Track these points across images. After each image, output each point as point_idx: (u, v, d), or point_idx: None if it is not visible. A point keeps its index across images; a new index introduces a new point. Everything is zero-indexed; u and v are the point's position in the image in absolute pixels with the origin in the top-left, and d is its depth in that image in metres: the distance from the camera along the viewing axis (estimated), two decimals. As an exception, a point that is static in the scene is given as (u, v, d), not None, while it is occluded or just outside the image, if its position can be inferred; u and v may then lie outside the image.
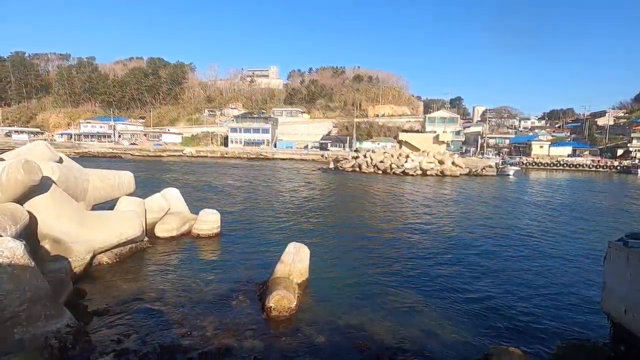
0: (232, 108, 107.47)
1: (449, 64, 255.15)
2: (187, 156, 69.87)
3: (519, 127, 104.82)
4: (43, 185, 7.64)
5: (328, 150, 78.25)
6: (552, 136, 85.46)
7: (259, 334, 5.93)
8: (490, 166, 47.47)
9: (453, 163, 44.82)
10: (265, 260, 9.53)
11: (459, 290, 8.14)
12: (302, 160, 67.69)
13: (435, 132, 73.03)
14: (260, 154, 71.46)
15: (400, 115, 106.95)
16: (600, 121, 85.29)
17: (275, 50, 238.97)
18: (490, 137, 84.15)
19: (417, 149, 56.08)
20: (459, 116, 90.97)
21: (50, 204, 7.70)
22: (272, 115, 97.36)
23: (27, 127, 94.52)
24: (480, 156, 64.22)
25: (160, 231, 10.94)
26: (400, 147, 62.10)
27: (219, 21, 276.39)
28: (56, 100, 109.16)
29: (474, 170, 45.29)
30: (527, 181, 41.62)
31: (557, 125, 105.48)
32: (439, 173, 42.24)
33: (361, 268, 9.40)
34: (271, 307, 6.54)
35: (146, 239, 10.14)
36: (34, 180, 7.12)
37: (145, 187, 18.00)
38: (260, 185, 28.10)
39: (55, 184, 8.17)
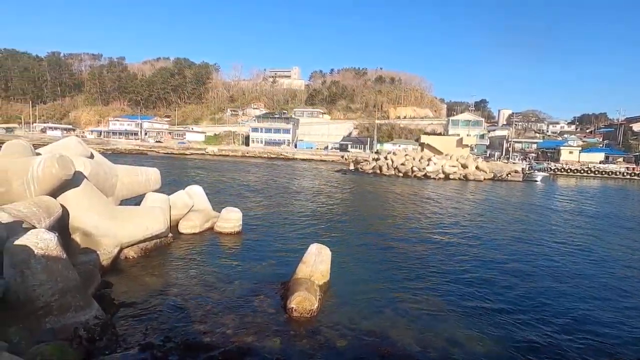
0: (254, 108, 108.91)
1: (474, 66, 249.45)
2: (210, 155, 71.25)
3: (547, 131, 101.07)
4: (75, 180, 7.89)
5: (348, 151, 77.99)
6: (583, 141, 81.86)
7: (281, 335, 5.88)
8: (516, 171, 45.97)
9: (477, 167, 43.67)
10: (286, 259, 9.51)
11: (487, 299, 7.84)
12: (322, 161, 67.74)
13: (458, 135, 71.39)
14: (281, 154, 71.98)
15: (422, 118, 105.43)
16: (636, 127, 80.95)
17: (298, 51, 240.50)
18: (517, 142, 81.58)
19: (440, 152, 54.98)
20: (483, 119, 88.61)
21: (81, 198, 7.95)
22: (293, 116, 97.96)
23: (61, 123, 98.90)
24: (506, 161, 62.27)
25: (184, 227, 11.13)
26: (422, 149, 61.13)
27: (243, 22, 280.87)
28: (88, 98, 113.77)
29: (498, 175, 43.98)
30: (556, 188, 40.02)
31: (588, 130, 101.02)
32: (462, 177, 41.26)
33: (383, 272, 9.23)
34: (293, 307, 6.49)
35: (170, 234, 10.32)
36: (68, 175, 7.36)
37: (169, 184, 18.39)
38: (280, 185, 28.25)
39: (87, 178, 8.43)
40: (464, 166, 43.28)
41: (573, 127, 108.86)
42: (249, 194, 22.22)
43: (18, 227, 5.97)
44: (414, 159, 44.93)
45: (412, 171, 42.05)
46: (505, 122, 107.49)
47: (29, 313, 5.01)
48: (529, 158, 70.91)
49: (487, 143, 78.64)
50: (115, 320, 5.89)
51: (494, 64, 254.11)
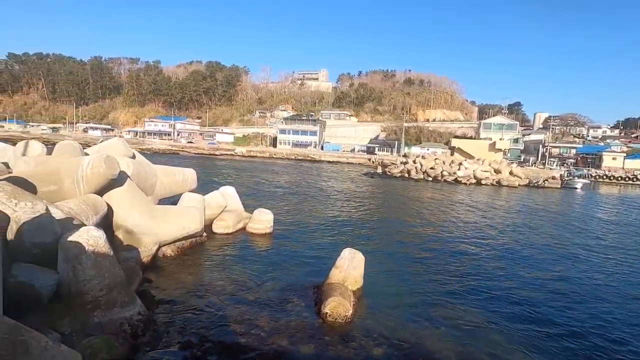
0: (281, 110, 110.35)
1: (507, 67, 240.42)
2: (238, 155, 72.77)
3: (588, 136, 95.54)
4: (120, 179, 8.25)
5: (375, 154, 77.26)
6: (628, 147, 76.65)
7: (315, 340, 5.85)
8: (553, 178, 43.75)
9: (511, 172, 41.97)
10: (317, 263, 9.50)
11: (529, 313, 7.45)
12: (348, 163, 67.48)
13: (491, 139, 68.96)
14: (308, 156, 72.38)
15: (452, 121, 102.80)
16: (689, 132, 74.98)
17: (326, 54, 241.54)
18: (554, 146, 77.71)
19: (471, 157, 53.31)
20: (517, 122, 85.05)
21: (125, 196, 8.30)
22: (320, 118, 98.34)
23: (101, 124, 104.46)
24: (542, 166, 59.42)
25: (218, 227, 11.37)
26: (452, 153, 59.53)
27: (272, 26, 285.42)
28: (126, 100, 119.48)
29: (534, 181, 42.04)
30: (598, 196, 37.72)
31: (633, 135, 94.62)
32: (494, 183, 39.76)
33: (416, 280, 9.00)
34: (327, 313, 6.44)
35: (205, 234, 10.57)
36: (113, 174, 7.70)
37: (200, 184, 18.88)
38: (308, 187, 28.35)
39: (130, 178, 8.79)
40: (497, 171, 41.71)
41: (616, 131, 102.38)
42: (278, 195, 22.45)
43: (69, 224, 6.30)
44: (443, 162, 43.81)
45: (442, 175, 41.00)
46: (541, 126, 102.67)
47: (79, 307, 5.25)
48: (568, 164, 67.34)
49: (522, 148, 75.44)
50: (156, 316, 6.07)
51: (529, 65, 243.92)
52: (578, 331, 6.84)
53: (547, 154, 70.18)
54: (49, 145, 10.78)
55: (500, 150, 63.17)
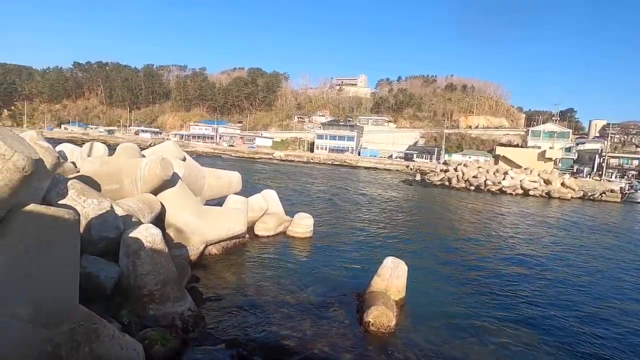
0: (319, 115, 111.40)
1: (560, 71, 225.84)
2: (276, 159, 74.27)
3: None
4: (172, 180, 8.72)
5: (413, 161, 75.52)
6: (702, 159, 68.83)
7: (357, 348, 5.77)
8: (612, 190, 40.28)
9: (562, 184, 39.21)
10: (357, 269, 9.42)
11: (587, 340, 6.87)
12: (386, 169, 66.52)
13: (539, 147, 64.97)
14: (345, 161, 72.31)
15: (496, 128, 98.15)
16: None
17: (365, 59, 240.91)
18: (612, 157, 71.45)
19: (518, 166, 50.52)
20: (570, 130, 79.41)
21: (176, 197, 8.75)
22: (357, 123, 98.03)
23: (150, 127, 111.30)
24: (598, 178, 54.92)
25: (259, 229, 11.64)
26: (497, 162, 56.83)
27: (313, 32, 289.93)
28: (173, 105, 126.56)
29: (589, 194, 38.95)
30: (665, 212, 34.13)
31: None
32: (543, 194, 37.33)
33: (461, 293, 8.63)
34: (369, 322, 6.35)
35: (247, 235, 10.86)
36: (168, 175, 8.16)
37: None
38: (346, 193, 28.27)
39: (181, 179, 9.26)
40: (547, 182, 39.14)
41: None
42: (316, 200, 22.59)
43: (129, 221, 6.75)
44: (487, 171, 41.89)
45: (485, 185, 39.16)
46: (597, 135, 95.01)
47: (137, 299, 5.59)
48: (629, 176, 61.67)
49: (575, 157, 70.29)
50: (205, 313, 6.31)
51: (583, 69, 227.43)
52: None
53: (604, 164, 64.78)
54: (109, 146, 11.69)
55: (550, 159, 59.31)
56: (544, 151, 61.00)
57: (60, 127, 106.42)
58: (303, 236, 11.74)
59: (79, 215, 5.71)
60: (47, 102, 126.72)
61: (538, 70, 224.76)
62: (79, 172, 8.50)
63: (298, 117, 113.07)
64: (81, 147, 11.50)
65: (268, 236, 11.61)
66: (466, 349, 6.09)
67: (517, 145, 76.26)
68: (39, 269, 3.05)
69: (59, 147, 11.22)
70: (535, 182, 38.93)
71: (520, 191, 37.73)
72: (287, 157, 76.67)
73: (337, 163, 71.25)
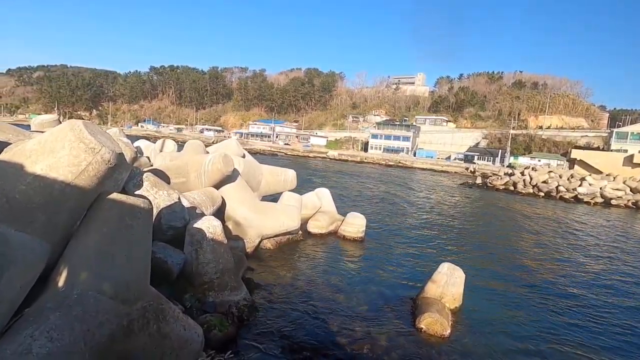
0: (375, 114, 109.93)
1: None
2: (330, 158, 74.82)
3: None
4: (233, 176, 9.20)
5: (474, 163, 71.18)
6: None
7: (407, 355, 5.60)
8: None
9: (654, 193, 34.20)
10: (411, 274, 9.15)
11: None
12: (443, 172, 63.59)
13: (626, 151, 57.34)
14: (399, 162, 70.52)
15: (573, 129, 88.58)
16: None
17: (425, 57, 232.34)
18: None
19: (598, 171, 45.20)
20: (666, 132, 68.93)
21: (236, 191, 9.22)
22: (414, 123, 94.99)
23: (214, 126, 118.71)
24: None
25: (312, 227, 11.81)
26: (572, 166, 51.48)
27: (372, 31, 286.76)
28: (234, 105, 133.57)
29: (691, 206, 33.45)
30: None
31: None
32: (630, 204, 32.88)
33: (523, 305, 7.97)
34: (422, 328, 6.14)
35: (300, 232, 11.09)
36: (229, 171, 8.63)
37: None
38: (400, 194, 27.56)
39: (240, 175, 9.74)
40: (635, 190, 34.42)
41: None
42: (369, 200, 22.33)
43: (194, 212, 7.26)
44: (560, 176, 37.99)
45: (558, 191, 35.53)
46: None
47: (198, 285, 6.00)
48: None
49: (672, 163, 60.85)
50: (258, 304, 6.57)
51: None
52: None
53: None
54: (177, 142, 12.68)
55: (639, 165, 52.06)
56: (632, 155, 53.64)
57: (138, 125, 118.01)
58: (355, 236, 11.67)
59: (152, 204, 6.29)
60: (127, 103, 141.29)
61: (627, 62, 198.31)
62: (152, 166, 9.35)
63: (352, 117, 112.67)
64: (154, 143, 12.64)
65: (320, 234, 11.74)
66: (529, 368, 5.61)
67: (597, 149, 68.12)
68: (120, 251, 3.40)
69: (136, 143, 12.44)
70: (619, 190, 34.44)
71: (600, 200, 33.64)
72: (340, 156, 76.85)
73: (392, 163, 69.71)
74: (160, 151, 11.36)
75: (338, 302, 7.19)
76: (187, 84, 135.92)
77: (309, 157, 74.70)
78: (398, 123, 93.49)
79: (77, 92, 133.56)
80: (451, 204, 24.66)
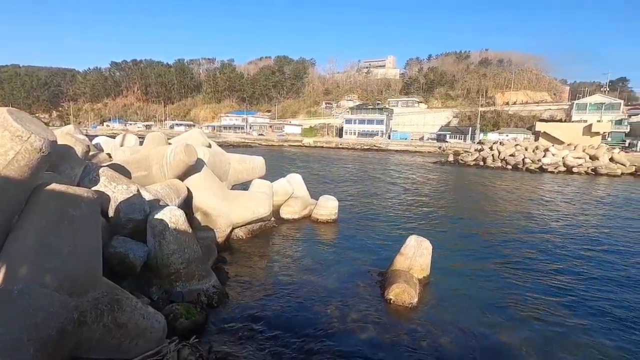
0: (347, 100, 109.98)
1: (610, 36, 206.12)
2: (306, 146, 74.59)
3: None
4: (198, 166, 9.00)
5: (446, 142, 72.94)
6: None
7: (378, 325, 5.77)
8: (670, 164, 36.71)
9: (611, 159, 36.27)
10: (382, 249, 9.35)
11: (623, 316, 6.43)
12: (417, 152, 64.85)
13: (585, 121, 60.38)
14: (374, 145, 71.27)
15: (537, 103, 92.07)
16: None
17: (394, 39, 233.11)
18: (672, 127, 64.99)
19: (560, 142, 47.38)
20: (621, 101, 72.85)
21: (202, 181, 9.04)
22: (387, 106, 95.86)
23: (184, 120, 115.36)
24: (654, 151, 50.20)
25: (285, 213, 11.82)
26: (537, 139, 53.68)
27: (339, 14, 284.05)
28: (204, 97, 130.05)
29: (643, 168, 35.78)
30: None
31: None
32: (589, 171, 34.78)
33: (488, 272, 8.33)
34: (391, 299, 6.32)
35: (273, 218, 11.07)
36: (192, 161, 8.43)
37: (270, 173, 19.78)
38: (374, 176, 27.95)
39: (206, 165, 9.54)
40: (593, 158, 36.37)
41: None
42: (344, 184, 22.52)
43: (156, 204, 7.07)
44: (526, 149, 39.57)
45: (524, 163, 37.08)
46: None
47: (164, 277, 5.90)
48: (691, 148, 55.89)
49: (627, 130, 64.58)
50: (229, 290, 6.55)
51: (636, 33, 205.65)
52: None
53: (661, 136, 59.03)
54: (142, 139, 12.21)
55: (597, 134, 55.05)
56: (590, 125, 56.62)
57: (103, 125, 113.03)
58: (328, 218, 11.78)
59: (109, 199, 6.07)
60: (90, 102, 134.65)
61: (584, 37, 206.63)
62: (112, 160, 8.99)
63: (326, 103, 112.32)
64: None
65: (294, 219, 11.77)
66: (488, 324, 5.92)
67: (560, 121, 71.30)
68: (63, 243, 3.28)
69: (95, 140, 11.93)
70: (579, 158, 36.31)
71: (562, 169, 35.40)
72: (316, 143, 76.79)
73: (367, 147, 70.37)
74: (121, 146, 10.94)
75: (311, 282, 7.28)
76: (152, 79, 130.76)
77: (284, 146, 74.16)
78: (371, 107, 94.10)
79: (33, 94, 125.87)
80: (423, 182, 25.26)
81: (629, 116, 70.18)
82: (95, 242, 3.58)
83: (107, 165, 7.63)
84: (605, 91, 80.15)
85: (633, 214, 16.27)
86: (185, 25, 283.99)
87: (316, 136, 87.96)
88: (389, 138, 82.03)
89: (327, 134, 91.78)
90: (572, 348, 5.37)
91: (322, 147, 73.59)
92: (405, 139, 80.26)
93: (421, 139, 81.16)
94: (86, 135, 11.73)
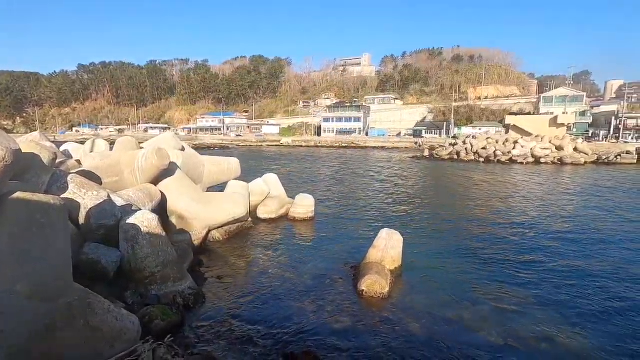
0: (325, 98, 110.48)
1: (572, 32, 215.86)
2: (284, 146, 74.46)
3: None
4: (171, 170, 8.99)
5: (422, 137, 74.58)
6: None
7: (351, 315, 6.02)
8: (628, 152, 39.11)
9: (575, 149, 38.28)
10: (357, 244, 9.62)
11: (580, 295, 6.97)
12: (394, 148, 66.01)
13: (552, 113, 63.20)
14: (352, 143, 72.00)
15: (507, 97, 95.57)
16: None
17: (369, 37, 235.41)
18: (630, 117, 68.93)
19: (529, 134, 49.41)
20: (584, 94, 76.66)
21: (176, 185, 9.04)
22: (364, 104, 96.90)
23: (159, 123, 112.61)
24: (615, 140, 53.29)
25: (262, 213, 11.92)
26: (507, 131, 55.70)
27: (313, 12, 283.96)
28: (179, 99, 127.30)
29: (604, 157, 37.95)
30: (684, 170, 33.07)
31: None
32: (556, 161, 36.58)
33: (459, 260, 8.76)
34: (363, 290, 6.59)
35: (250, 219, 11.16)
36: (164, 165, 8.42)
37: (248, 173, 19.78)
38: (351, 173, 28.37)
39: (180, 168, 9.53)
40: (559, 148, 38.25)
41: None
42: (321, 182, 22.78)
43: (129, 209, 7.05)
44: (497, 142, 41.13)
45: (495, 156, 38.56)
46: (614, 96, 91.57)
47: (139, 280, 5.93)
48: (647, 136, 59.60)
49: (590, 121, 68.11)
50: (206, 291, 6.64)
51: (598, 27, 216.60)
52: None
53: (621, 126, 62.66)
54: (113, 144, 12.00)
55: (563, 125, 57.78)
56: (556, 117, 59.35)
57: (72, 130, 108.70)
58: (305, 216, 11.96)
59: (78, 206, 6.04)
60: (56, 107, 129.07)
61: (550, 33, 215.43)
62: (81, 167, 8.85)
63: (303, 102, 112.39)
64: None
65: (271, 219, 11.88)
66: (458, 310, 6.25)
67: (529, 113, 74.29)
68: (33, 250, 3.32)
69: (63, 147, 11.64)
70: (546, 149, 38.09)
71: (531, 160, 37.05)
72: (294, 143, 76.79)
73: (345, 145, 71.01)
74: (91, 152, 10.74)
75: (287, 279, 7.45)
76: (123, 81, 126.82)
77: (262, 146, 73.77)
78: (348, 105, 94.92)
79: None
80: (399, 177, 25.87)
81: (591, 107, 74.02)
82: (65, 248, 3.63)
83: (76, 172, 7.53)
84: (569, 84, 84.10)
85: (596, 201, 17.32)
86: (157, 26, 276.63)
87: (295, 135, 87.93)
88: (367, 135, 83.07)
89: (306, 133, 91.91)
90: (537, 332, 5.77)
91: (301, 146, 73.68)
92: (383, 135, 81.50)
93: (398, 135, 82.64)
94: (54, 141, 11.43)
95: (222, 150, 62.30)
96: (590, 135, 61.87)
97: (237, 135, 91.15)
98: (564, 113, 62.29)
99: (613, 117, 66.52)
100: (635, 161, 37.46)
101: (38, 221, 3.42)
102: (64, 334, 3.35)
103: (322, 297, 6.64)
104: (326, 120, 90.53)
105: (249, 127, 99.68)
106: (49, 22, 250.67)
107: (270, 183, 13.05)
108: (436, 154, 44.74)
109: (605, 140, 54.21)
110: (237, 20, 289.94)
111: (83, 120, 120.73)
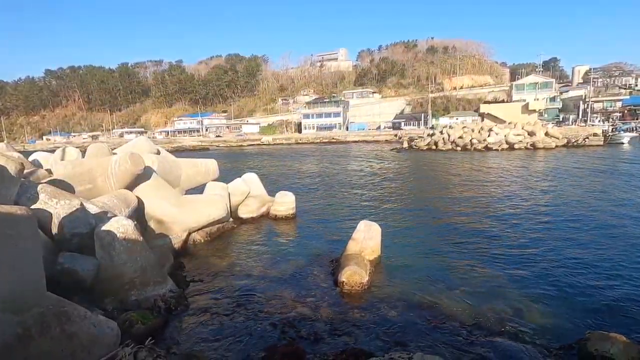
0: (303, 95, 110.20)
1: (540, 19, 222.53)
2: (265, 144, 74.01)
3: (637, 85, 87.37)
4: (146, 174, 8.89)
5: (401, 129, 75.62)
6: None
7: (332, 306, 6.18)
8: (595, 134, 40.98)
9: (546, 134, 39.75)
10: (338, 238, 9.78)
11: (549, 273, 7.37)
12: (375, 141, 66.69)
13: (524, 100, 65.23)
14: (333, 138, 72.29)
15: (481, 86, 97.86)
16: None
17: (344, 31, 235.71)
18: (596, 101, 72.06)
19: (503, 121, 50.88)
20: (554, 80, 79.45)
21: (153, 189, 8.95)
22: (342, 99, 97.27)
23: (134, 127, 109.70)
24: (583, 124, 55.54)
25: (243, 212, 11.93)
26: (482, 120, 57.13)
27: (288, 8, 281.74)
28: (154, 102, 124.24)
29: (573, 140, 39.59)
30: (646, 150, 34.93)
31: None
32: (528, 146, 37.90)
33: (437, 248, 9.06)
34: (343, 281, 6.75)
35: (231, 219, 11.16)
36: (139, 169, 8.33)
37: (229, 174, 19.65)
38: (332, 168, 28.57)
39: (156, 172, 9.44)
40: (531, 134, 39.63)
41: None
42: (302, 178, 22.88)
43: (104, 217, 6.97)
44: (472, 130, 42.21)
45: (472, 144, 39.60)
46: (581, 81, 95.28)
47: (118, 287, 5.90)
48: (613, 118, 62.45)
49: (560, 106, 70.74)
50: (188, 293, 6.66)
51: (563, 14, 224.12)
52: (603, 282, 6.71)
53: (588, 110, 65.38)
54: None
55: (534, 111, 59.78)
56: (527, 103, 61.32)
57: (43, 139, 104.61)
58: (286, 214, 12.04)
59: (50, 216, 5.95)
60: (24, 115, 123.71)
61: (519, 21, 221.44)
62: (52, 176, 8.63)
63: (282, 100, 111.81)
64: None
65: (252, 218, 11.91)
66: (435, 296, 6.50)
67: (502, 101, 76.41)
68: (3, 262, 3.30)
69: (32, 156, 11.27)
70: (519, 135, 39.39)
71: (505, 146, 38.25)
72: (275, 141, 76.42)
73: (326, 141, 71.22)
74: (62, 160, 10.46)
75: (269, 277, 7.55)
76: (94, 86, 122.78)
77: (243, 146, 73.11)
78: (327, 100, 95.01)
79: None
80: (379, 170, 26.26)
81: (561, 93, 76.79)
82: (36, 259, 3.61)
83: (46, 182, 7.37)
84: (539, 71, 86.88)
85: (566, 181, 18.12)
86: (126, 26, 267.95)
87: (275, 133, 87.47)
88: (347, 130, 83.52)
89: (286, 130, 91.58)
90: (507, 310, 6.06)
91: (282, 143, 73.42)
92: (363, 129, 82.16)
93: (378, 128, 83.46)
94: (24, 151, 11.09)
95: (202, 152, 61.38)
96: (560, 120, 64.24)
97: (217, 136, 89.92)
98: (535, 100, 64.45)
99: (581, 102, 69.32)
100: (602, 143, 39.27)
101: (6, 233, 3.39)
102: (39, 342, 3.35)
103: (303, 291, 6.77)
104: (306, 116, 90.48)
105: (228, 127, 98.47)
106: (8, 26, 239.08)
107: (250, 182, 13.05)
108: (415, 145, 45.53)
109: (575, 124, 56.44)
110: (211, 18, 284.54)
111: (54, 127, 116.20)
